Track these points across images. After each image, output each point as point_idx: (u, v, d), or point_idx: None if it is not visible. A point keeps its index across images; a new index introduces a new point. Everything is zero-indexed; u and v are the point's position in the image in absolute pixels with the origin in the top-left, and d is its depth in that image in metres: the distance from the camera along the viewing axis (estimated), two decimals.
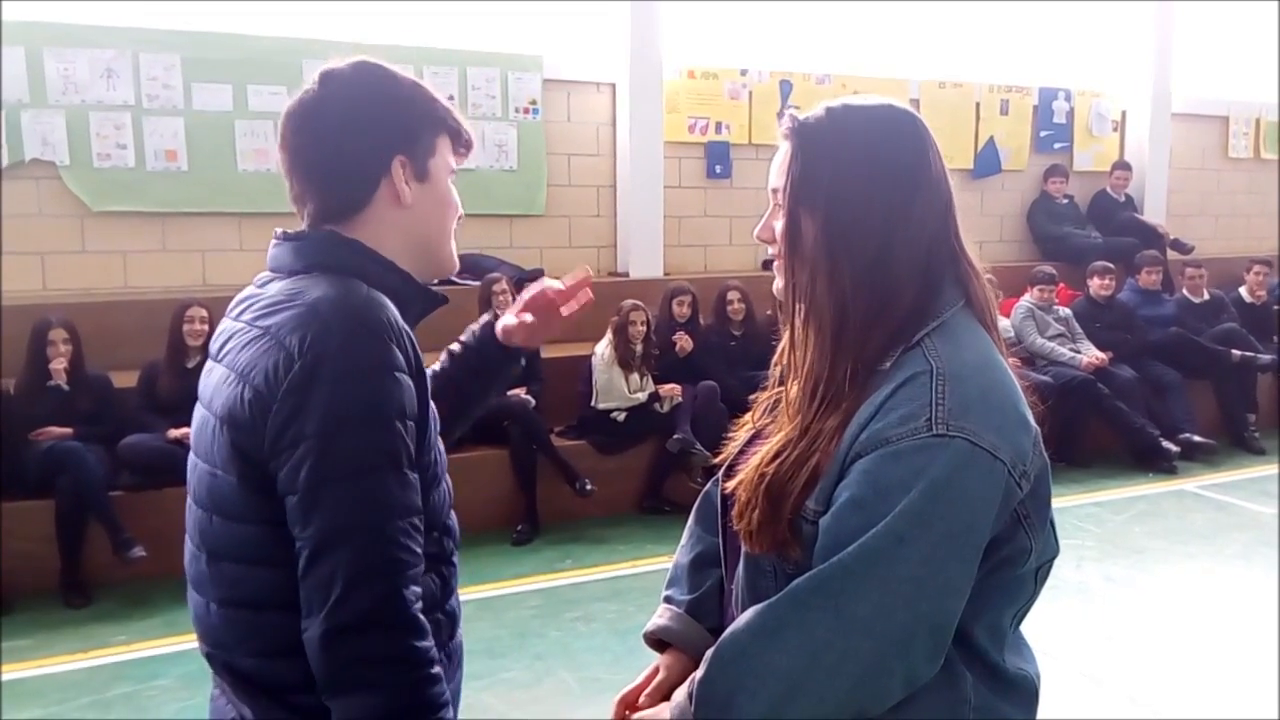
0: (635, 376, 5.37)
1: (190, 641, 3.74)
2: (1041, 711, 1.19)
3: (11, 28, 5.31)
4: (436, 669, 1.13)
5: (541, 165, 6.52)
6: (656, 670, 1.32)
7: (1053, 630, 3.84)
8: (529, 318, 1.59)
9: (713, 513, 1.33)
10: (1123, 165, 8.21)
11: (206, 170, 5.62)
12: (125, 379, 4.68)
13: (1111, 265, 7.00)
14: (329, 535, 1.08)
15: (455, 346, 1.63)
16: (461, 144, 1.34)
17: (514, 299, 5.58)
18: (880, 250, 1.08)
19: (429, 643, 1.12)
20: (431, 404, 1.24)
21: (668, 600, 1.37)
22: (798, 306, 1.14)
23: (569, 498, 5.09)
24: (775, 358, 1.27)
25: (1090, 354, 6.50)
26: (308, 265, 1.21)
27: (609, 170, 6.78)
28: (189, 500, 1.26)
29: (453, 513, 1.31)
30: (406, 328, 1.18)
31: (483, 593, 4.30)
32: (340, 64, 1.29)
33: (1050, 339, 6.61)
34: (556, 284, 1.59)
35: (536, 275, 6.30)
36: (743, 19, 7.14)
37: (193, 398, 4.61)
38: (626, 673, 3.53)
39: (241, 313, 1.23)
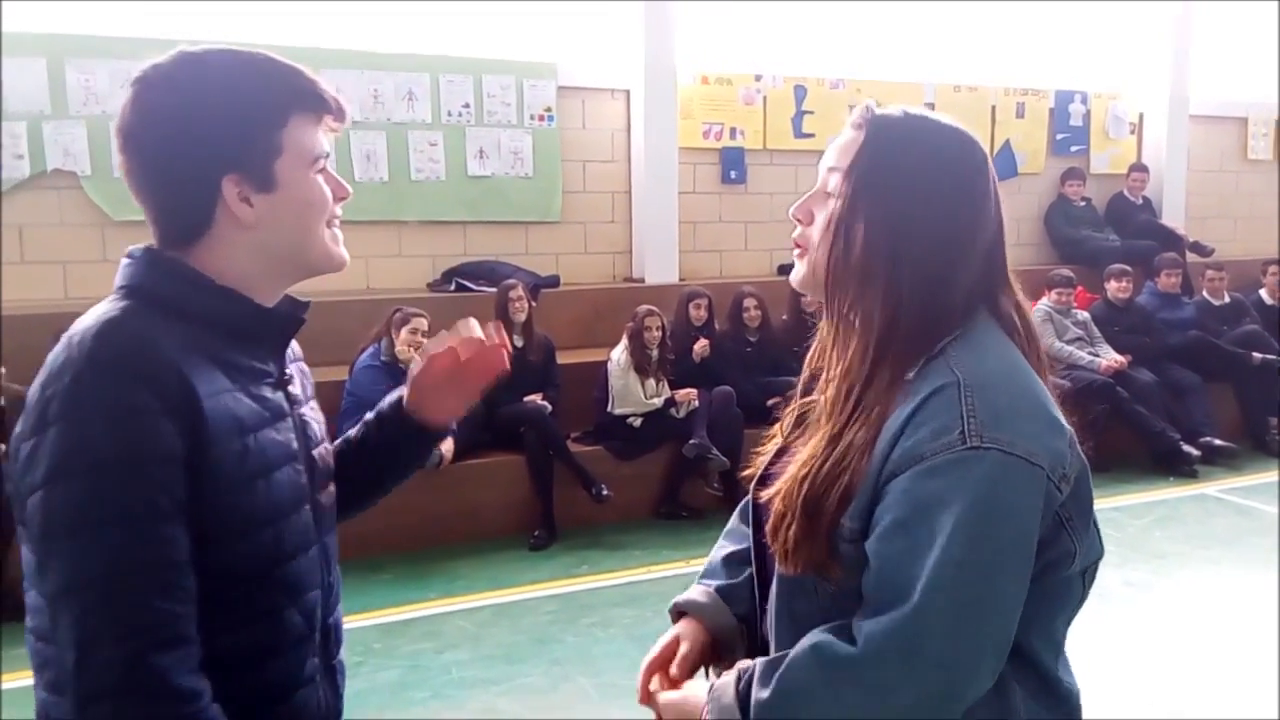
0: (651, 382, 5.38)
1: None
2: None
3: (33, 39, 5.38)
4: None
5: (557, 172, 6.54)
6: (677, 640, 1.29)
7: (1071, 636, 3.82)
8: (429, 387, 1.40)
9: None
10: (1140, 168, 8.16)
11: None
12: None
13: (1128, 268, 6.96)
14: (60, 597, 0.98)
15: (370, 416, 1.47)
16: (330, 113, 1.18)
17: (530, 305, 5.59)
18: (944, 267, 1.08)
19: (196, 706, 0.99)
20: (265, 443, 1.11)
21: (702, 581, 1.36)
22: (844, 307, 1.12)
23: (585, 503, 5.10)
24: (808, 359, 1.25)
25: (1109, 357, 6.46)
26: (122, 287, 1.11)
27: (624, 176, 6.79)
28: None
29: (298, 563, 1.15)
30: (183, 362, 1.04)
31: (500, 598, 4.31)
32: (162, 63, 1.12)
33: (1069, 343, 6.57)
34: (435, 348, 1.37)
35: (552, 282, 6.35)
36: (757, 24, 7.14)
37: None
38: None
39: None
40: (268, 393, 1.16)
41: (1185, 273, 7.33)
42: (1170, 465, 6.09)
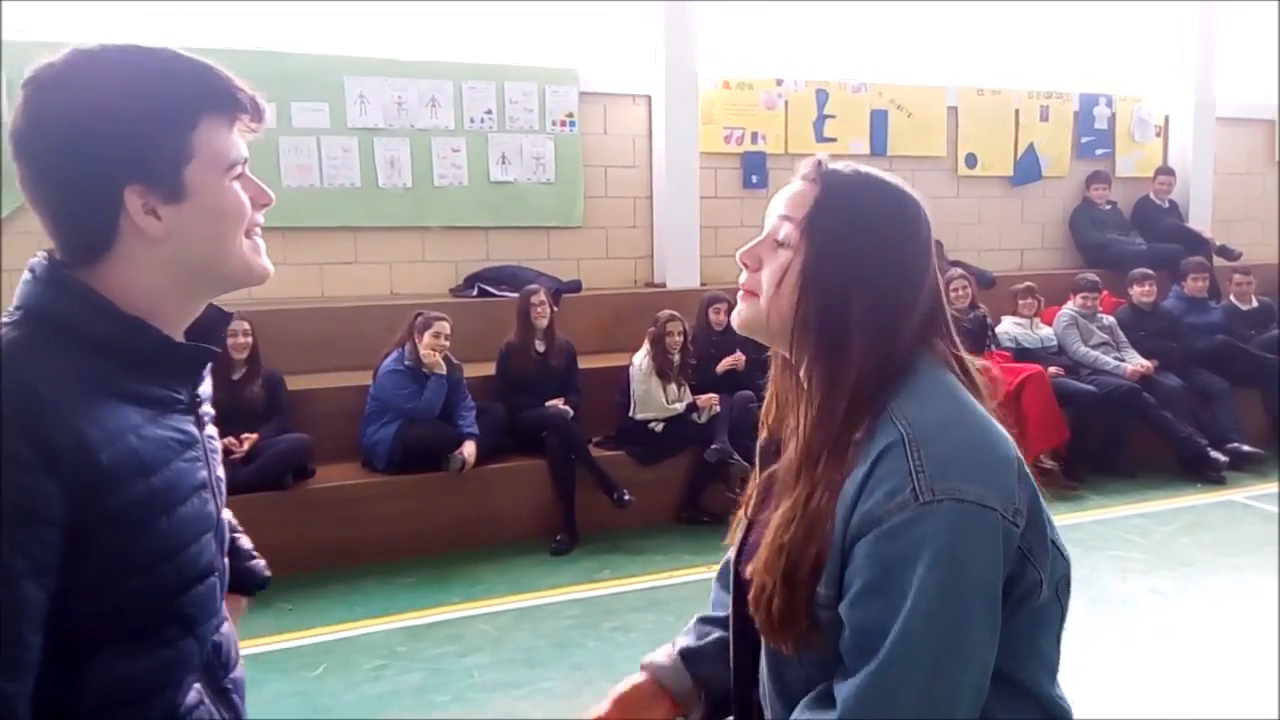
0: (673, 387, 5.38)
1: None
2: None
3: (62, 49, 5.44)
4: None
5: (578, 177, 6.56)
6: (635, 689, 1.39)
7: (1098, 644, 3.78)
8: None
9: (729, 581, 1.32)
10: (1166, 171, 8.09)
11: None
12: None
13: (1151, 272, 6.90)
14: None
15: None
16: (246, 115, 1.08)
17: (552, 310, 5.61)
18: (895, 329, 1.10)
19: None
20: (174, 478, 1.04)
21: (677, 638, 1.42)
22: (807, 370, 1.13)
23: (607, 508, 5.10)
24: (761, 419, 1.27)
25: (1135, 362, 6.40)
26: (18, 307, 1.02)
27: (645, 181, 6.80)
28: None
29: (199, 590, 1.09)
30: (78, 409, 0.95)
31: (522, 602, 4.32)
32: (56, 62, 1.01)
33: (1094, 347, 6.52)
34: None
35: (574, 287, 6.37)
36: (778, 29, 7.14)
37: (239, 410, 4.73)
38: None
39: None
40: (177, 421, 1.07)
41: (1212, 277, 7.26)
42: (1197, 471, 6.02)
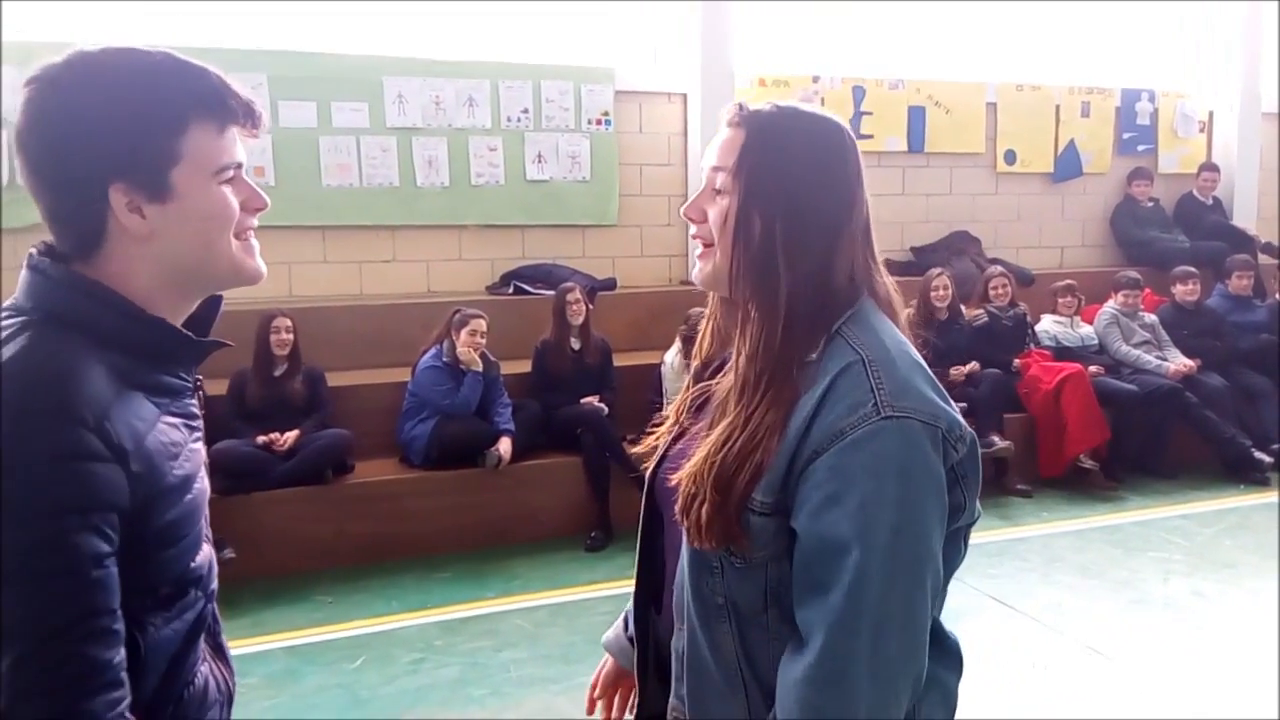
0: None
1: (276, 641, 3.89)
2: None
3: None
4: None
5: (614, 176, 6.59)
6: (603, 672, 1.54)
7: (1140, 645, 3.75)
8: None
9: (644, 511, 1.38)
10: (1210, 167, 7.95)
11: (292, 185, 5.81)
12: (215, 387, 4.87)
13: (1194, 270, 6.79)
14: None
15: None
16: (242, 120, 1.11)
17: (587, 308, 5.64)
18: (827, 254, 1.15)
19: None
20: (187, 464, 1.10)
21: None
22: (745, 300, 1.17)
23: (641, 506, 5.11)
24: (696, 347, 1.35)
25: (1177, 361, 6.30)
26: (34, 307, 1.05)
27: (680, 180, 6.81)
28: None
29: (203, 554, 1.17)
30: (117, 400, 1.01)
31: (557, 598, 4.36)
32: (56, 63, 1.05)
33: (1136, 346, 6.43)
34: None
35: (609, 284, 6.39)
36: (814, 26, 7.11)
37: (281, 406, 4.87)
38: None
39: None
40: (185, 405, 1.14)
41: (1257, 275, 7.13)
42: (1241, 472, 5.92)
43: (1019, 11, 7.56)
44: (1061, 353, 6.35)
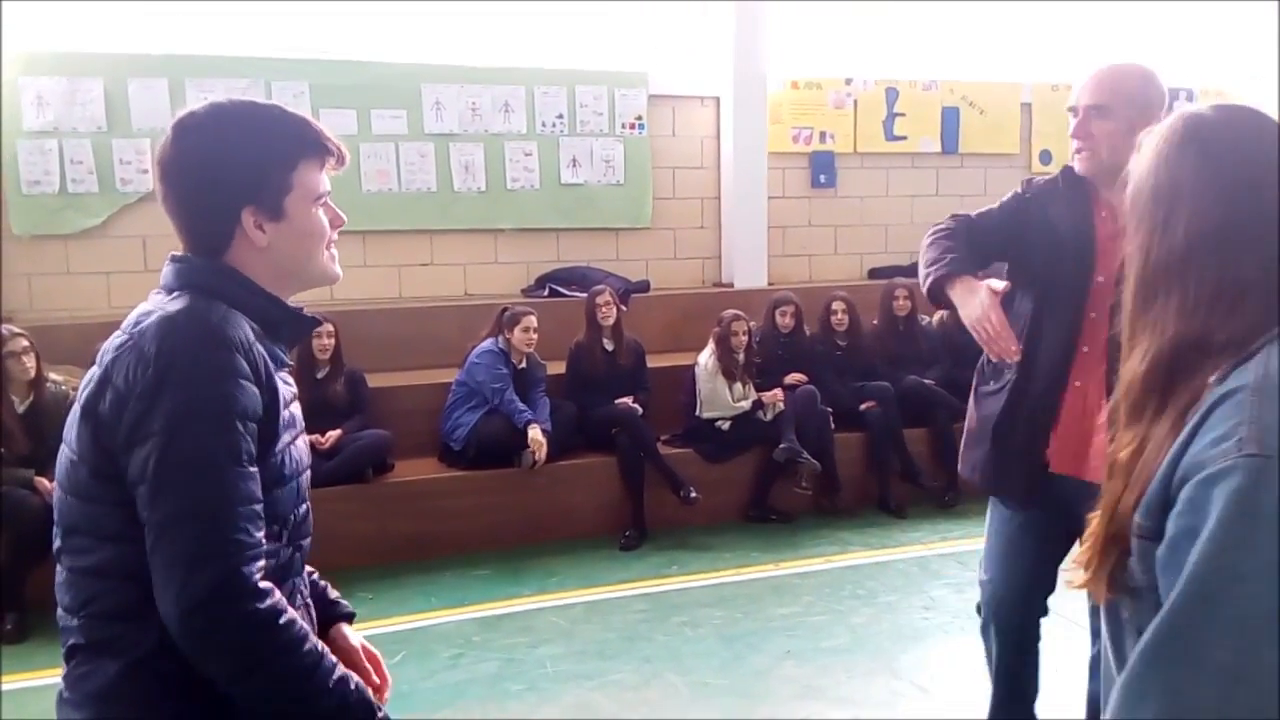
0: (738, 386, 5.43)
1: None
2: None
3: (155, 60, 5.73)
4: (285, 618, 1.24)
5: (647, 179, 6.65)
6: None
7: None
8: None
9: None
10: None
11: (334, 191, 5.86)
12: None
13: None
14: (172, 521, 1.20)
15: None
16: (332, 159, 1.41)
17: (619, 309, 5.70)
18: (1230, 258, 1.05)
19: (272, 601, 1.23)
20: (291, 414, 1.38)
21: None
22: (1140, 307, 1.10)
23: (675, 505, 5.18)
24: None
25: None
26: (182, 285, 1.33)
27: (713, 182, 6.86)
28: (55, 483, 1.37)
29: (301, 510, 1.43)
30: (257, 343, 1.30)
31: (591, 596, 4.42)
32: (198, 111, 1.35)
33: None
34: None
35: (643, 287, 6.45)
36: (847, 28, 7.13)
37: (323, 407, 5.07)
38: (733, 677, 3.60)
39: (126, 324, 1.34)
40: (285, 376, 1.41)
41: None
42: None
43: (1054, 11, 7.52)
44: None
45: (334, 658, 1.31)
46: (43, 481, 4.23)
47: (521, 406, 5.07)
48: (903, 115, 7.20)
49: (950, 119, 7.34)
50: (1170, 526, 1.00)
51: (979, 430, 2.44)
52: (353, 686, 1.32)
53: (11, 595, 4.13)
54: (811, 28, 7.04)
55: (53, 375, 4.57)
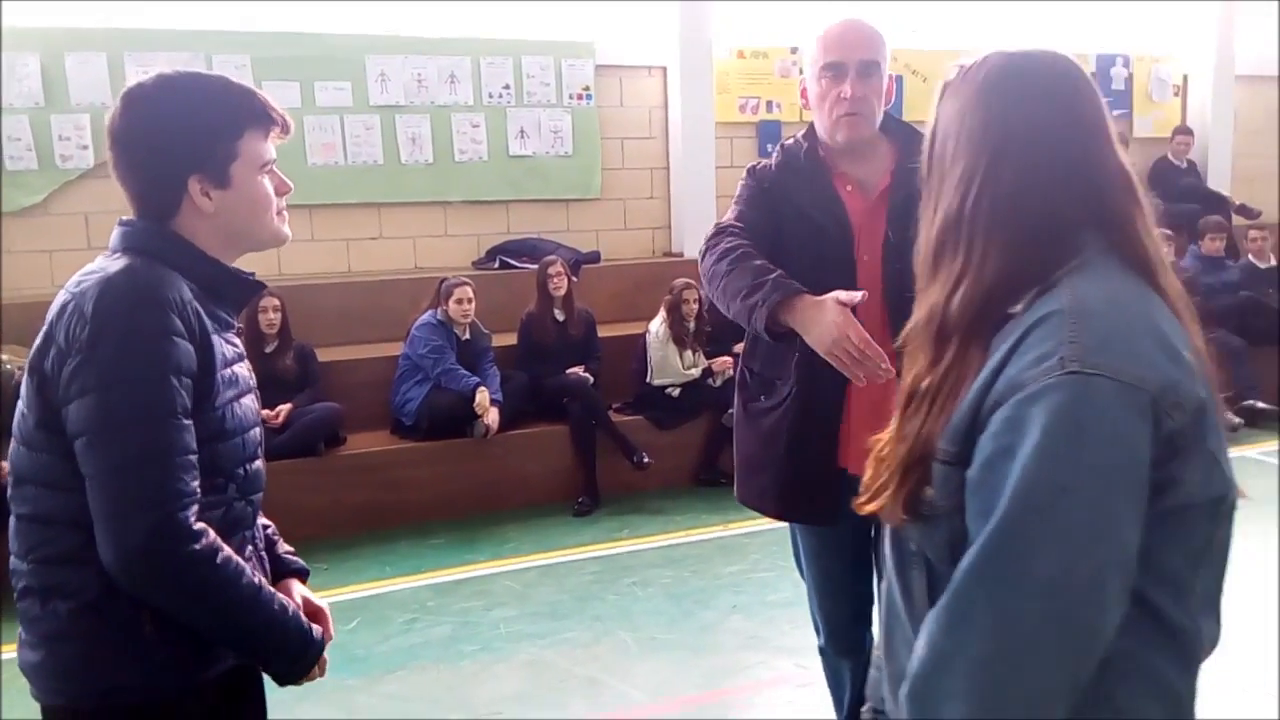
0: (689, 353, 5.52)
1: None
2: None
3: (93, 34, 5.64)
4: (221, 556, 1.33)
5: (596, 149, 6.68)
6: None
7: None
8: None
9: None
10: (1184, 130, 8.06)
11: (279, 165, 5.87)
12: None
13: (1168, 232, 6.89)
14: (109, 471, 1.29)
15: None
16: (277, 128, 1.47)
17: (570, 280, 5.73)
18: (1017, 193, 1.08)
19: (207, 541, 1.32)
20: (233, 373, 1.44)
21: None
22: (939, 246, 1.13)
23: (627, 471, 5.27)
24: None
25: None
26: (125, 247, 1.40)
27: (662, 152, 6.91)
28: (12, 436, 1.44)
29: (251, 466, 1.50)
30: (193, 302, 1.37)
31: (545, 560, 4.51)
32: (146, 83, 1.41)
33: None
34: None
35: (593, 258, 6.51)
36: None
37: (273, 381, 5.16)
38: (681, 632, 3.70)
39: (70, 283, 1.42)
40: (231, 338, 1.49)
41: (1230, 236, 7.26)
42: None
43: None
44: None
45: (272, 590, 1.42)
46: None
47: (464, 373, 5.12)
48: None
49: (894, 87, 7.42)
50: (986, 447, 1.02)
51: (763, 452, 2.16)
52: (290, 613, 1.43)
53: None
54: None
55: None
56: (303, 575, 1.69)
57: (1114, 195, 1.11)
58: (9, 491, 1.41)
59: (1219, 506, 1.07)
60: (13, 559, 1.41)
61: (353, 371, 5.45)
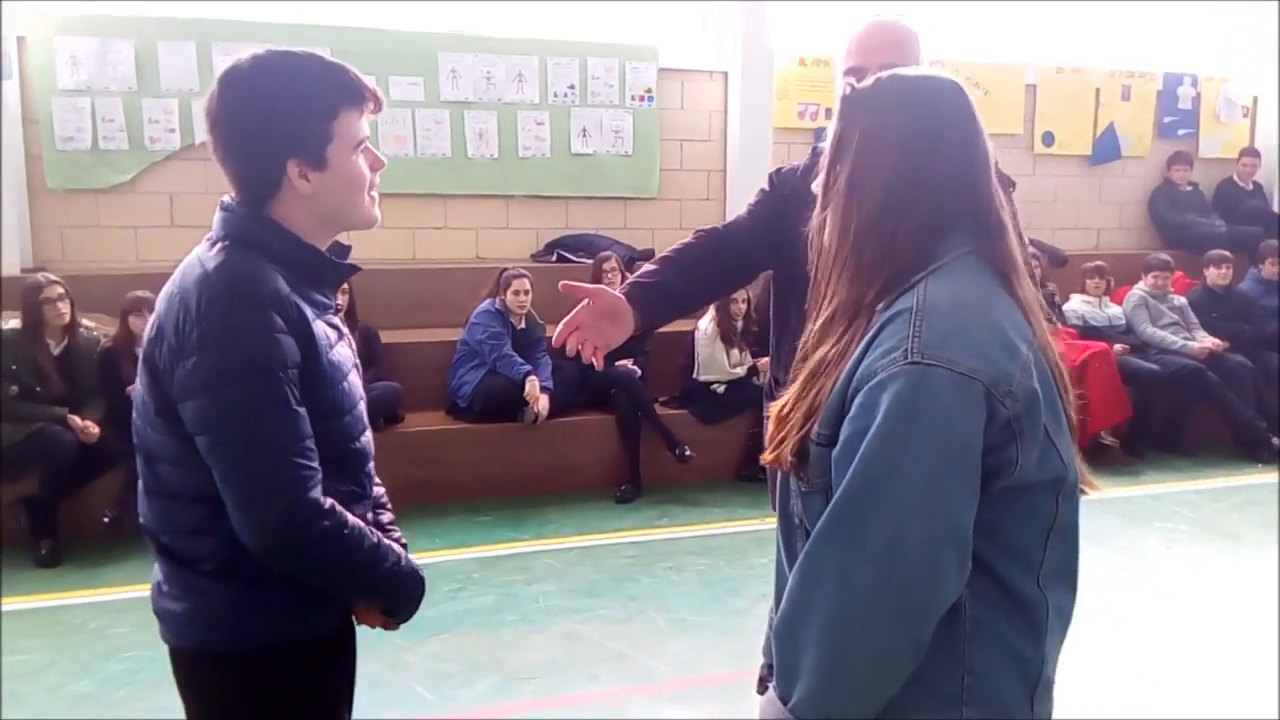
0: (735, 351, 5.66)
1: None
2: (1126, 685, 1.26)
3: (184, 24, 5.96)
4: (347, 526, 1.42)
5: (655, 150, 6.85)
6: None
7: (1134, 606, 3.97)
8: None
9: None
10: (1251, 152, 7.98)
11: None
12: None
13: (1228, 254, 6.88)
14: (235, 465, 1.36)
15: None
16: (370, 104, 1.48)
17: (623, 278, 5.91)
18: (887, 203, 1.20)
19: (335, 515, 1.41)
20: (338, 355, 1.49)
21: None
22: (825, 252, 1.27)
23: (670, 463, 5.43)
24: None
25: (1204, 341, 6.42)
26: (224, 235, 1.44)
27: (720, 155, 7.05)
28: (134, 413, 1.52)
29: (362, 439, 1.56)
30: (291, 294, 1.40)
31: (586, 542, 4.70)
32: (242, 64, 1.42)
33: (1163, 328, 6.56)
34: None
35: (647, 255, 6.67)
36: (854, 5, 7.26)
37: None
38: (711, 616, 3.86)
39: (176, 274, 1.47)
40: (331, 319, 1.53)
41: None
42: (1254, 452, 6.06)
43: None
44: (1088, 332, 6.51)
45: (387, 543, 1.52)
46: (75, 419, 4.52)
47: (519, 360, 5.32)
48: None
49: None
50: (845, 429, 1.16)
51: None
52: (403, 562, 1.55)
53: (46, 524, 4.43)
54: (819, 4, 7.18)
55: (85, 321, 4.86)
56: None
57: (985, 210, 1.24)
58: (140, 467, 1.50)
59: (1059, 486, 1.20)
60: (145, 520, 1.51)
61: (413, 354, 5.69)
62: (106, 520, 4.46)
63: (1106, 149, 7.89)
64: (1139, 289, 6.73)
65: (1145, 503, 5.35)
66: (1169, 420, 6.29)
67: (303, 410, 1.39)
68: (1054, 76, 7.69)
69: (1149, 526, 4.97)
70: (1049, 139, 7.77)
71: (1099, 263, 6.82)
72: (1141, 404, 6.18)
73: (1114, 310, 6.72)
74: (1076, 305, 6.70)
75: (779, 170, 2.30)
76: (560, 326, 1.94)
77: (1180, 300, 6.72)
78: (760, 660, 2.24)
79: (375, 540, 1.49)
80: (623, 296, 1.99)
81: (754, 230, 2.18)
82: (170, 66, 5.95)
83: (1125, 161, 7.97)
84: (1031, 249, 6.68)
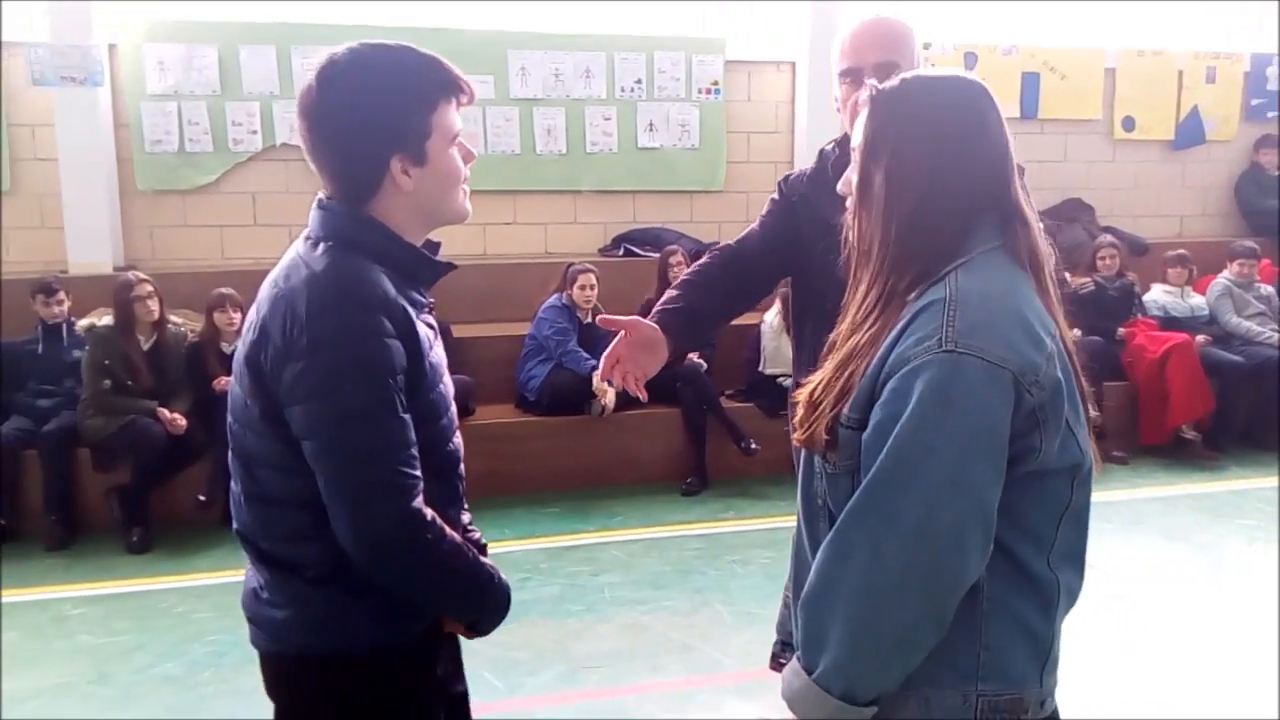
0: None
1: None
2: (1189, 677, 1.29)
3: (264, 28, 6.16)
4: (446, 539, 1.39)
5: (721, 143, 6.85)
6: None
7: (1216, 602, 3.88)
8: None
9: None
10: None
11: None
12: None
13: None
14: (340, 472, 1.33)
15: None
16: (465, 96, 1.44)
17: None
18: (922, 199, 1.25)
19: (435, 527, 1.38)
20: (437, 357, 1.46)
21: None
22: (861, 246, 1.32)
23: (735, 456, 5.45)
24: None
25: None
26: (326, 235, 1.40)
27: (787, 147, 7.02)
28: (229, 415, 1.48)
29: (455, 441, 1.54)
30: (398, 296, 1.37)
31: (651, 534, 4.76)
32: (339, 59, 1.37)
33: (1249, 318, 6.34)
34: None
35: (713, 249, 6.66)
36: None
37: None
38: (775, 608, 3.85)
39: (276, 271, 1.43)
40: (428, 319, 1.49)
41: None
42: None
43: None
44: (1169, 323, 6.33)
45: (480, 558, 1.50)
46: (164, 411, 4.74)
47: (584, 355, 5.39)
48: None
49: (1030, 84, 7.32)
50: (876, 414, 1.21)
51: None
52: (493, 575, 1.52)
53: (137, 512, 4.66)
54: None
55: (173, 317, 5.08)
56: (480, 551, 1.69)
57: (1011, 205, 1.29)
58: (236, 470, 1.47)
59: (1075, 473, 1.26)
60: (241, 530, 1.49)
61: (484, 348, 5.81)
62: (202, 499, 4.70)
63: (1191, 133, 7.63)
64: (1223, 278, 6.51)
65: (1227, 499, 5.20)
66: (1253, 414, 6.07)
67: (408, 417, 1.37)
68: (1134, 60, 7.47)
69: (1230, 523, 4.83)
70: (1129, 124, 7.55)
71: (1181, 251, 6.63)
72: (1225, 397, 5.99)
73: (1197, 300, 6.52)
74: (1158, 295, 6.52)
75: (787, 177, 2.33)
76: (602, 360, 2.03)
77: (1268, 289, 6.49)
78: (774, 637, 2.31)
79: (471, 558, 1.47)
80: (656, 325, 2.05)
81: (767, 239, 2.22)
82: (252, 70, 6.16)
83: (1210, 146, 7.71)
84: (1109, 239, 6.52)
